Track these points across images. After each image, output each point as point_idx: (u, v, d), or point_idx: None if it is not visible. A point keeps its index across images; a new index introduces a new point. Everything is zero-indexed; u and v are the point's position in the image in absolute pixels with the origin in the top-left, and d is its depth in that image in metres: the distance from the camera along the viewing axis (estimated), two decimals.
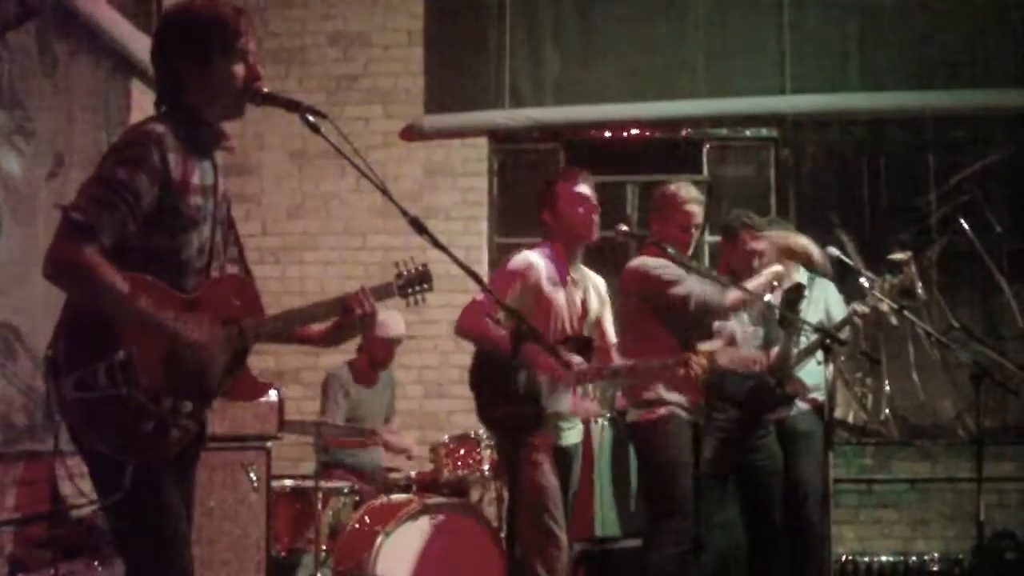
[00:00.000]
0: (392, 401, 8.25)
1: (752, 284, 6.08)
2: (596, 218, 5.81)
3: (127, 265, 3.36)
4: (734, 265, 6.64)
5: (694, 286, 5.97)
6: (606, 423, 7.47)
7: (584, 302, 5.85)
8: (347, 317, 3.84)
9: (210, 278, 3.63)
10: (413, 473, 7.40)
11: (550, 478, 5.54)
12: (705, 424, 6.23)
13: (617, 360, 5.92)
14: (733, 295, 5.98)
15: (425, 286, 4.06)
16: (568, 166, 5.94)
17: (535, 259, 5.73)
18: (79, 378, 3.30)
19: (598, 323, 5.98)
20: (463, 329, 5.64)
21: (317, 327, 3.92)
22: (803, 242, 6.88)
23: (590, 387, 8.00)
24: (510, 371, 5.33)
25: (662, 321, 6.00)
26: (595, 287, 5.98)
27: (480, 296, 5.52)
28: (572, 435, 5.80)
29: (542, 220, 5.87)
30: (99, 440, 3.36)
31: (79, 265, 3.27)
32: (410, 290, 4.04)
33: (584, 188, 5.81)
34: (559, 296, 5.72)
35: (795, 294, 6.45)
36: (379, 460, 8.00)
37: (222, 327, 3.57)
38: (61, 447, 3.51)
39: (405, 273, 4.04)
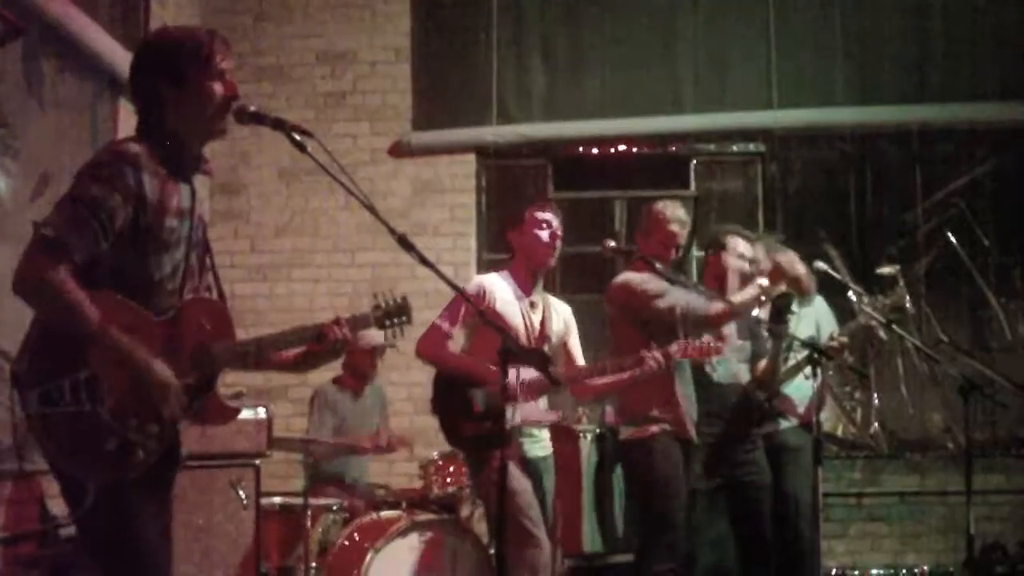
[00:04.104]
0: (384, 418, 8.23)
1: (738, 298, 6.11)
2: (556, 244, 5.95)
3: (98, 283, 3.37)
4: (719, 279, 6.64)
5: (678, 298, 6.00)
6: (594, 438, 7.47)
7: (543, 324, 5.97)
8: (320, 345, 3.86)
9: (183, 300, 3.63)
10: (401, 490, 7.40)
11: (521, 481, 5.66)
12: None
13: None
14: (717, 307, 6.01)
15: (403, 318, 4.09)
16: (541, 198, 6.13)
17: (487, 281, 5.94)
18: (44, 393, 3.31)
19: (564, 348, 6.12)
20: (423, 353, 5.88)
21: (288, 352, 3.93)
22: (798, 270, 6.85)
23: (581, 406, 8.05)
24: (467, 390, 5.66)
25: (648, 336, 6.00)
26: (558, 312, 6.11)
27: (439, 321, 5.80)
28: (536, 448, 5.91)
29: (509, 242, 6.06)
30: (63, 456, 3.37)
31: (48, 283, 3.28)
32: (388, 322, 4.07)
33: (548, 215, 5.95)
34: (515, 315, 5.86)
35: (783, 301, 6.47)
36: (367, 475, 7.99)
37: (189, 359, 3.57)
38: (26, 468, 3.51)
39: (383, 305, 4.06)
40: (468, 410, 5.68)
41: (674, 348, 5.83)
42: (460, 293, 4.19)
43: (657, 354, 5.77)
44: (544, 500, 5.83)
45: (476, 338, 5.80)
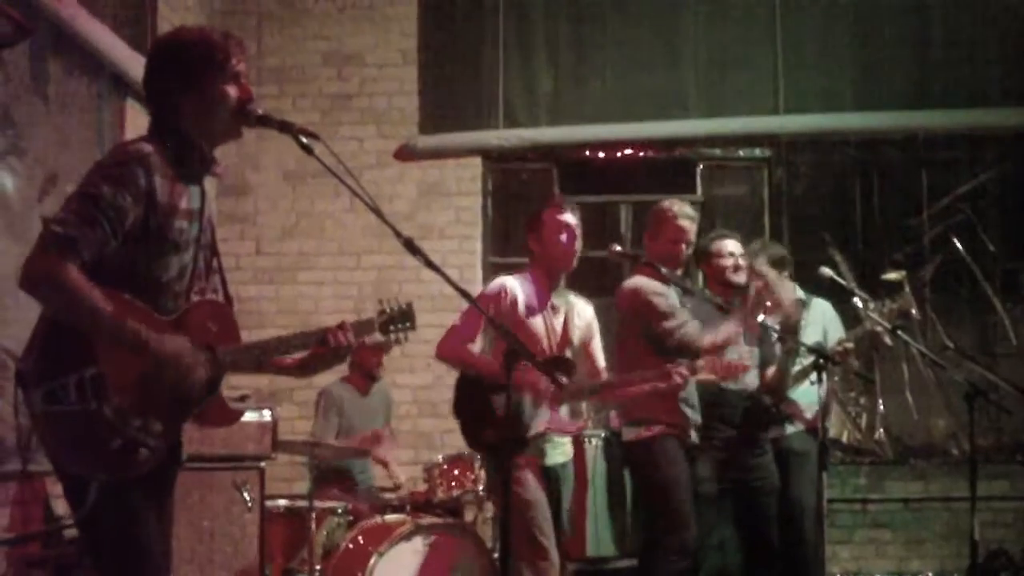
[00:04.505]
0: (389, 419, 8.24)
1: (725, 330, 6.04)
2: (577, 247, 5.88)
3: (105, 283, 3.35)
4: (721, 284, 6.64)
5: (679, 323, 5.99)
6: (600, 443, 7.46)
7: (565, 327, 5.89)
8: (323, 350, 3.86)
9: (189, 302, 3.63)
10: (406, 493, 7.40)
11: (536, 492, 5.61)
12: (701, 443, 6.23)
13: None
14: (708, 341, 5.96)
15: (407, 324, 4.07)
16: (557, 196, 6.05)
17: (510, 284, 5.84)
18: (49, 391, 3.30)
19: (585, 349, 6.04)
20: (442, 355, 5.79)
21: (293, 357, 3.93)
22: (786, 303, 6.72)
23: (584, 406, 8.03)
24: (490, 394, 5.51)
25: (652, 346, 6.01)
26: (580, 313, 6.02)
27: (458, 321, 5.71)
28: (557, 455, 5.84)
29: (528, 246, 5.97)
30: (66, 455, 3.37)
31: (57, 278, 3.27)
32: (392, 328, 4.05)
33: (568, 217, 5.88)
34: (536, 320, 5.80)
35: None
36: (372, 479, 8.00)
37: (200, 350, 3.56)
38: (30, 468, 3.50)
39: (388, 311, 4.05)
40: (490, 414, 5.57)
41: (700, 364, 5.83)
42: (466, 296, 4.17)
43: (683, 369, 5.77)
44: (559, 507, 5.78)
45: (499, 340, 5.64)
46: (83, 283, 3.29)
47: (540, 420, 5.65)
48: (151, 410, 3.43)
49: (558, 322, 5.88)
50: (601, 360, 6.09)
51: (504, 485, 5.00)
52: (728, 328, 6.05)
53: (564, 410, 5.89)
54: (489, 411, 5.56)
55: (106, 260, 3.38)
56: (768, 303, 6.14)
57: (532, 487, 5.59)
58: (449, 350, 5.74)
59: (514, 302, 5.75)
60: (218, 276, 3.83)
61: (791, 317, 6.43)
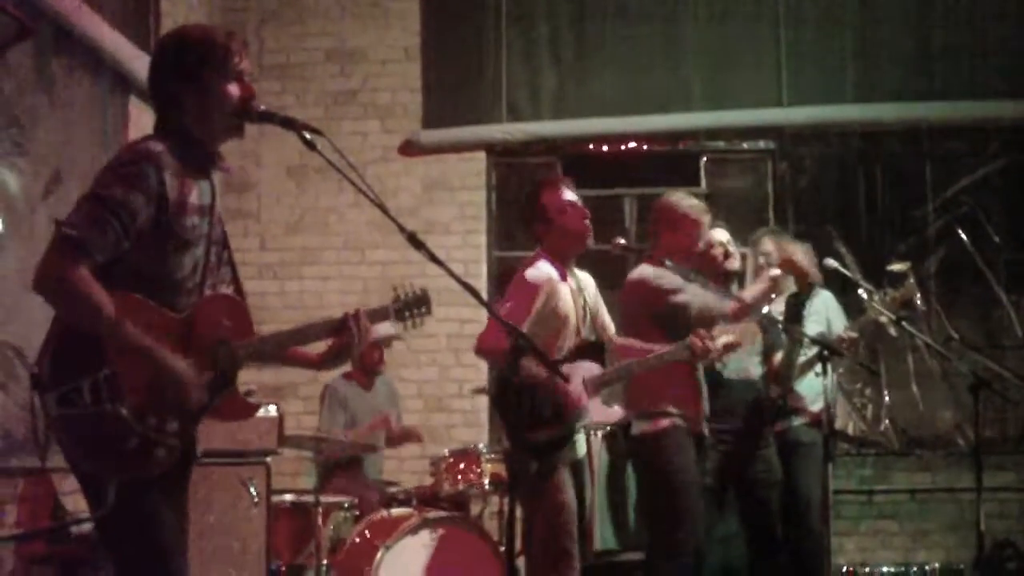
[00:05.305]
0: (397, 411, 8.24)
1: (750, 293, 6.08)
2: (587, 223, 5.76)
3: (119, 282, 3.37)
4: (719, 276, 6.64)
5: (694, 294, 5.95)
6: (602, 434, 7.45)
7: (584, 309, 5.82)
8: (341, 339, 3.85)
9: (202, 297, 3.64)
10: (412, 487, 7.41)
11: (570, 496, 5.49)
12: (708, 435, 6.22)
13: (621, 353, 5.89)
14: (733, 304, 5.94)
15: (423, 309, 4.04)
16: (548, 176, 5.91)
17: (552, 271, 5.66)
18: (63, 394, 3.30)
19: (597, 318, 5.93)
20: (483, 348, 5.57)
21: (313, 350, 3.93)
22: (802, 258, 6.81)
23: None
24: (536, 393, 5.33)
25: (664, 331, 5.98)
26: (587, 289, 5.91)
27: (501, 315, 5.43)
28: (583, 445, 5.73)
29: (535, 233, 5.82)
30: (83, 456, 3.37)
31: (69, 282, 3.28)
32: (407, 313, 4.03)
33: (569, 195, 5.75)
34: (569, 307, 5.68)
35: (797, 299, 6.48)
36: (379, 473, 8.01)
37: (208, 356, 3.57)
38: (47, 465, 3.50)
39: (403, 296, 4.03)
40: (540, 413, 5.36)
41: (722, 340, 5.78)
42: (472, 291, 4.13)
43: (707, 340, 5.69)
44: (583, 502, 5.68)
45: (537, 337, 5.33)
46: (88, 286, 3.30)
47: (584, 415, 5.53)
48: (165, 409, 3.44)
49: (580, 302, 5.76)
50: (611, 328, 5.98)
51: (538, 484, 4.94)
52: (757, 288, 6.03)
53: (599, 400, 5.67)
54: (537, 410, 5.36)
55: (120, 260, 3.39)
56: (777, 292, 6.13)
57: (568, 490, 5.47)
58: (489, 346, 5.46)
59: (558, 290, 5.60)
60: (229, 270, 3.83)
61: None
